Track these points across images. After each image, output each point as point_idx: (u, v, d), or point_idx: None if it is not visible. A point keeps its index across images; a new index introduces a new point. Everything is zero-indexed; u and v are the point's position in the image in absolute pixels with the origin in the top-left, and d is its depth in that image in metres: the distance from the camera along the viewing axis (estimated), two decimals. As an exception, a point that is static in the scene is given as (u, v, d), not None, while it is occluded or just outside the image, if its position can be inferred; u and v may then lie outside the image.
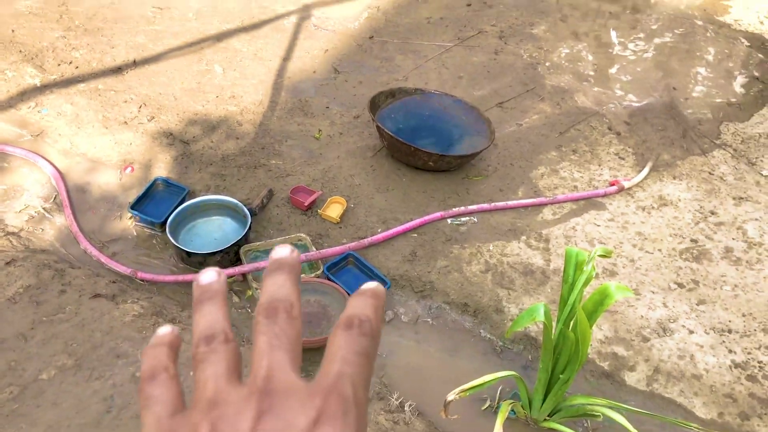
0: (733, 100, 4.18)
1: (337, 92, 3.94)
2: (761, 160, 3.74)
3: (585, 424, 2.48)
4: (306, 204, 3.10)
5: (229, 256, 2.88)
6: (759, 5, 5.02)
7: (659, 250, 3.17)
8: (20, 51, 3.98)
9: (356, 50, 4.30)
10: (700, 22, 4.82)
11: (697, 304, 2.92)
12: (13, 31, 4.13)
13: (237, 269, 2.77)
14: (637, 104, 4.08)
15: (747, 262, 3.15)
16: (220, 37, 4.28)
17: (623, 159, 3.68)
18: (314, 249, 2.92)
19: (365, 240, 2.99)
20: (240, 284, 2.86)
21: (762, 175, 3.65)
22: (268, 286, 0.44)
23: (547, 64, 4.33)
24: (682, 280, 3.03)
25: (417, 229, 3.13)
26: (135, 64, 3.95)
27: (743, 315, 2.90)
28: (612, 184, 3.46)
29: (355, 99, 3.88)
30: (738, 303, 2.94)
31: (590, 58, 4.44)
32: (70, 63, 3.92)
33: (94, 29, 4.22)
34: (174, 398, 0.41)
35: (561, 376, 2.29)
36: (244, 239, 2.91)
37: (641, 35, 4.64)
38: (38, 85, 3.76)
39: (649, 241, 3.21)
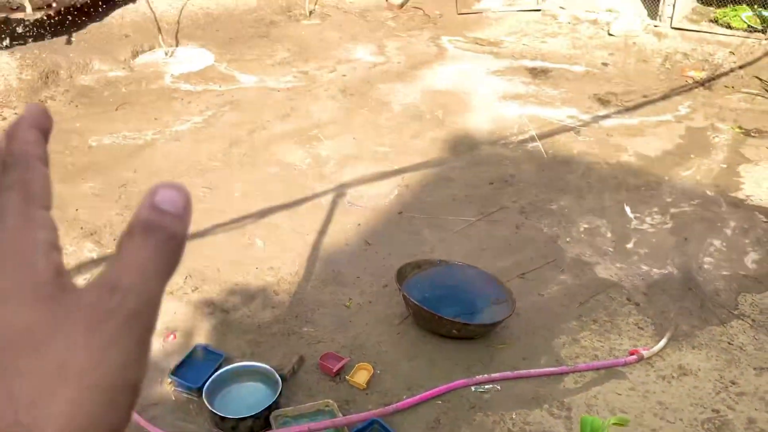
0: (751, 271, 4.34)
1: (367, 263, 4.22)
2: (780, 330, 3.83)
3: None
4: (334, 370, 3.27)
5: (260, 422, 3.02)
6: (767, 182, 5.30)
7: (680, 419, 3.21)
8: (81, 228, 4.40)
9: (386, 224, 4.63)
10: (712, 195, 5.09)
11: (722, 477, 2.92)
12: (77, 210, 4.59)
13: (267, 434, 2.91)
14: (655, 276, 4.26)
15: (771, 434, 3.16)
16: (262, 214, 4.67)
17: (642, 329, 3.81)
18: (341, 415, 3.05)
19: (390, 407, 3.12)
20: (269, 449, 2.97)
21: (782, 345, 3.72)
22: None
23: (567, 238, 4.59)
24: (705, 451, 3.05)
25: (441, 396, 3.25)
26: (184, 238, 4.32)
27: (770, 489, 2.88)
28: (632, 353, 3.56)
29: (384, 269, 4.14)
30: (764, 476, 2.94)
31: (608, 232, 4.69)
32: (126, 237, 4.31)
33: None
34: None
35: None
36: (275, 405, 3.06)
37: (656, 209, 4.91)
38: (95, 258, 4.13)
39: (670, 410, 3.26)
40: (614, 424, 2.47)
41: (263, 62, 7.35)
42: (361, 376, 3.31)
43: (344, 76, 6.94)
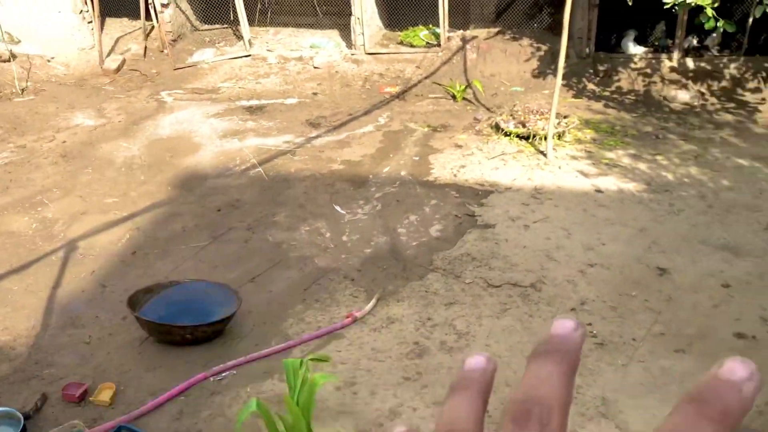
0: (441, 234, 5.22)
1: (105, 303, 4.44)
2: (464, 273, 4.69)
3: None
4: (77, 395, 3.48)
5: (5, 459, 3.14)
6: (451, 165, 6.34)
7: (390, 357, 3.86)
8: None
9: (120, 266, 4.87)
10: (408, 181, 6.00)
11: (421, 388, 3.59)
12: None
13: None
14: (366, 254, 4.97)
15: (458, 348, 3.92)
16: (-10, 282, 4.68)
17: (357, 297, 4.46)
18: (87, 430, 3.27)
19: (135, 412, 3.40)
20: (20, 481, 3.11)
21: (465, 283, 4.57)
22: (529, 376, 0.35)
23: (291, 243, 5.16)
24: (408, 374, 3.71)
25: (184, 392, 3.59)
26: None
27: (457, 387, 3.60)
28: (347, 317, 4.18)
29: (121, 305, 4.36)
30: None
31: (326, 230, 5.34)
32: None
33: None
34: None
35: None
36: (20, 440, 3.20)
37: (362, 202, 5.68)
38: None
39: (381, 352, 3.91)
40: (312, 359, 3.01)
41: (-24, 144, 7.17)
42: (105, 394, 3.54)
43: (64, 142, 7.01)
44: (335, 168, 6.35)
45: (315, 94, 8.39)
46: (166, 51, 9.47)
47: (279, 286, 4.60)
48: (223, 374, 3.73)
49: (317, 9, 9.93)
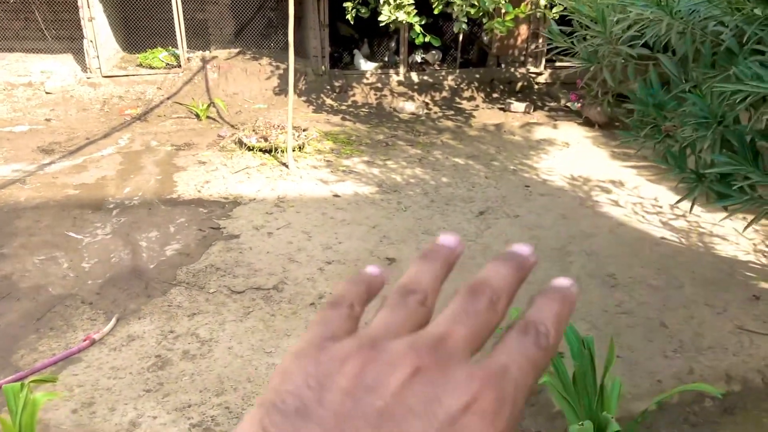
0: (185, 249, 5.26)
1: None
2: (208, 284, 4.79)
3: None
4: None
5: None
6: (195, 181, 6.40)
7: (130, 373, 3.85)
8: None
9: None
10: (150, 200, 5.96)
11: (162, 397, 3.63)
12: None
13: None
14: (107, 276, 4.86)
15: (201, 354, 4.02)
16: None
17: (95, 320, 4.36)
18: None
19: None
20: None
21: (209, 293, 4.68)
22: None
23: (23, 273, 4.88)
24: (149, 387, 3.73)
25: None
26: None
27: (199, 391, 3.70)
28: (85, 340, 4.08)
29: None
30: (195, 384, 3.75)
31: (62, 257, 5.12)
32: None
33: None
34: (341, 328, 0.40)
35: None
36: None
37: (100, 224, 5.54)
38: None
39: (122, 369, 3.87)
40: (34, 381, 2.93)
41: None
42: None
43: None
44: (72, 193, 6.10)
45: (48, 120, 7.96)
46: None
47: (8, 319, 4.35)
48: (-59, 417, 3.46)
49: (45, 33, 9.40)
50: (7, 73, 8.74)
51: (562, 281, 0.42)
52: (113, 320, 4.30)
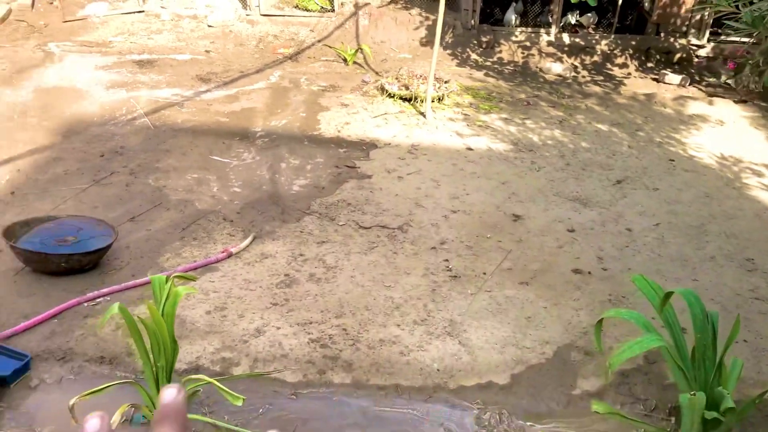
0: (321, 183, 5.51)
1: (-21, 238, 4.47)
2: (338, 217, 5.00)
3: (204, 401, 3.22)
4: (-54, 317, 3.56)
5: None
6: (336, 121, 6.64)
7: (260, 286, 4.14)
8: None
9: (-2, 205, 4.90)
10: (295, 135, 6.25)
11: (287, 312, 3.89)
12: None
13: None
14: (247, 199, 5.19)
15: (326, 279, 4.24)
16: None
17: (233, 236, 4.69)
18: (-45, 346, 3.38)
19: (6, 331, 3.53)
20: None
21: (339, 225, 4.89)
22: None
23: (174, 187, 5.31)
24: (276, 301, 4.00)
25: (57, 316, 3.74)
26: None
27: (321, 311, 3.92)
28: (223, 252, 4.41)
29: (-2, 239, 4.44)
30: (317, 305, 3.98)
31: (210, 176, 5.52)
32: None
33: None
34: None
35: (159, 364, 3.04)
36: None
37: (246, 152, 5.89)
38: None
39: (253, 282, 4.17)
40: (177, 277, 3.24)
41: None
42: (-25, 318, 3.64)
43: (-59, 87, 6.83)
44: (223, 120, 6.51)
45: (208, 51, 8.46)
46: (55, 3, 9.25)
47: (158, 225, 4.77)
48: (98, 300, 3.90)
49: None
50: (177, 5, 9.33)
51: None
52: (250, 238, 4.61)
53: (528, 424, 3.31)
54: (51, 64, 7.66)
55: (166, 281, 3.16)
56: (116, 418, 2.89)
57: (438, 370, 3.57)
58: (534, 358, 3.71)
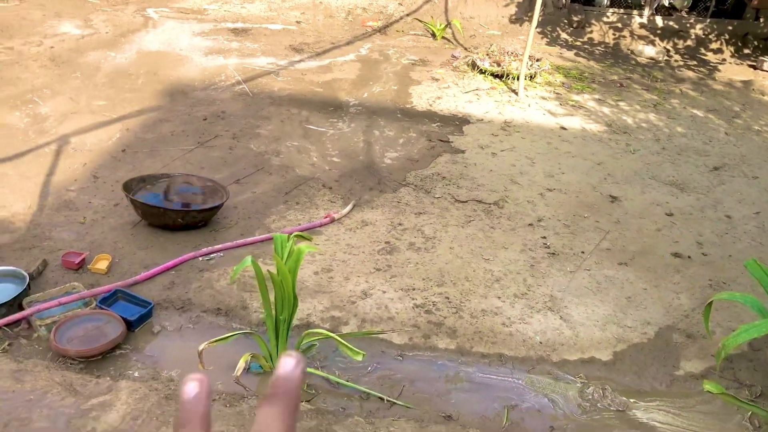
0: (415, 156, 5.58)
1: (97, 191, 4.72)
2: (434, 189, 5.07)
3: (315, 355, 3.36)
4: (76, 263, 3.80)
5: (13, 309, 3.46)
6: (427, 95, 6.68)
7: (363, 252, 4.25)
8: None
9: (111, 161, 5.14)
10: (388, 107, 6.33)
11: (390, 277, 4.00)
12: None
13: (17, 315, 3.38)
14: (345, 168, 5.32)
15: (425, 249, 4.33)
16: (-15, 167, 4.91)
17: (334, 203, 4.82)
18: (85, 291, 3.61)
19: (129, 280, 3.74)
20: (27, 330, 3.44)
21: (435, 197, 4.97)
22: (258, 422, 0.45)
23: (273, 153, 5.47)
24: (379, 267, 4.11)
25: (174, 268, 3.94)
26: None
27: (423, 279, 4.02)
28: (326, 217, 4.55)
29: (113, 194, 4.68)
30: (419, 272, 4.07)
31: (308, 144, 5.66)
32: None
33: None
34: None
35: (281, 317, 3.18)
36: (26, 294, 3.52)
37: (343, 122, 6.01)
38: None
39: (355, 247, 4.29)
40: (297, 236, 3.37)
41: (-39, 43, 7.25)
42: (101, 264, 3.87)
43: (52, 47, 7.14)
44: (317, 90, 6.64)
45: (299, 22, 8.59)
46: (151, -31, 9.51)
47: (262, 189, 4.94)
48: (212, 255, 4.08)
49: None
50: (268, -25, 9.49)
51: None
52: (351, 205, 4.73)
53: (631, 400, 3.34)
54: (150, 30, 7.92)
55: (288, 239, 3.29)
56: (240, 365, 3.04)
57: (540, 342, 3.63)
58: (636, 338, 3.73)
